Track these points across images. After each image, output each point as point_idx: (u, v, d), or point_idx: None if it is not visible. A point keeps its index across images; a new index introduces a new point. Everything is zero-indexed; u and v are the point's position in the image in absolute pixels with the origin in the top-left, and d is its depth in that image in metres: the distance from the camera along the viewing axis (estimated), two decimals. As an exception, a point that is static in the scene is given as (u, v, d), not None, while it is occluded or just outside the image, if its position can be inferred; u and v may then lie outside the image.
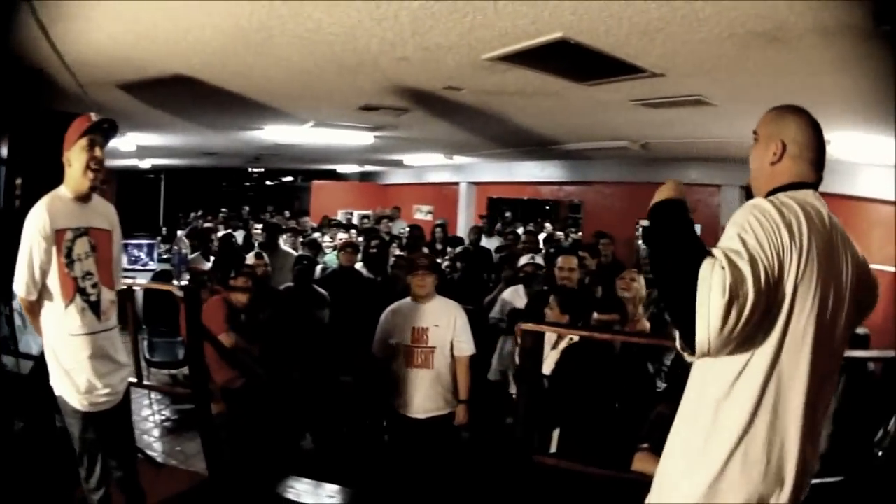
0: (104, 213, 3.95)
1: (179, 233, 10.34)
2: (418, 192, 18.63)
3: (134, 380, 5.71)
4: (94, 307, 3.76)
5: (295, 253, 8.59)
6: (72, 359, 3.69)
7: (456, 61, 4.31)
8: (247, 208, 18.52)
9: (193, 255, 9.10)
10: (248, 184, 26.52)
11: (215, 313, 5.51)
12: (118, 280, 4.10)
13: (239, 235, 11.75)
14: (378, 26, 3.58)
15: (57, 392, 3.76)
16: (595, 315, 5.01)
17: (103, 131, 3.73)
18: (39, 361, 6.16)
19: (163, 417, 7.66)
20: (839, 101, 4.83)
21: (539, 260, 7.20)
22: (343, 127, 8.25)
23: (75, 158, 3.64)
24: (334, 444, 6.33)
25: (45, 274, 3.60)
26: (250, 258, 6.48)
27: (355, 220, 15.47)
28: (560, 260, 6.38)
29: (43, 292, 3.65)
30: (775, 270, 1.96)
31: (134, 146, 11.41)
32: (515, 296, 6.65)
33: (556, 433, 4.50)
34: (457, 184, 16.60)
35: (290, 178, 25.56)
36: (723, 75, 4.41)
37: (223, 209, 17.44)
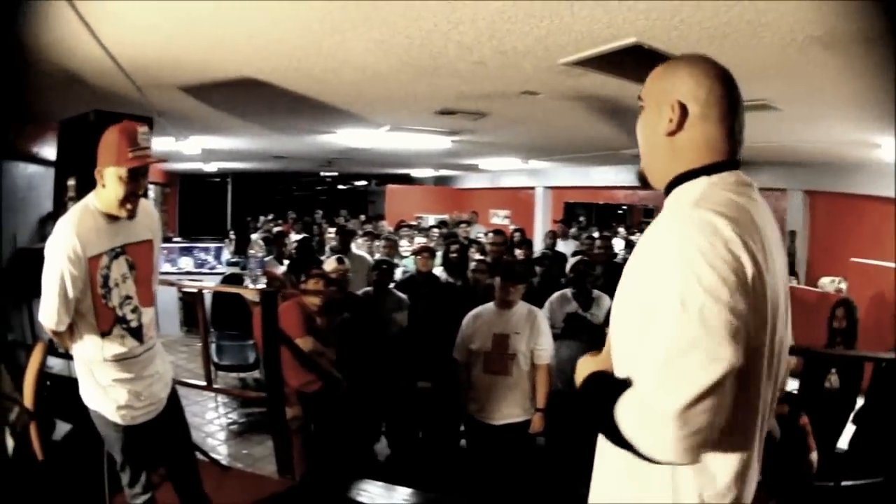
0: (143, 222, 3.60)
1: (254, 236, 10.46)
2: (494, 196, 18.80)
3: (203, 383, 5.86)
4: (136, 332, 3.52)
5: (368, 257, 8.66)
6: (109, 378, 3.46)
7: (533, 65, 4.36)
8: (319, 212, 18.69)
9: (267, 259, 9.24)
10: (319, 188, 26.81)
11: (292, 317, 5.52)
12: (156, 290, 3.88)
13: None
14: (455, 30, 3.60)
15: (91, 406, 3.55)
16: None
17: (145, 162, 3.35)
18: None
19: (229, 420, 7.80)
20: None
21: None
22: (419, 131, 8.30)
23: (111, 184, 3.27)
24: (410, 449, 6.41)
25: (78, 302, 3.29)
26: (331, 262, 6.52)
27: (429, 224, 15.54)
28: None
29: (76, 319, 3.36)
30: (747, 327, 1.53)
31: (199, 150, 11.42)
32: (563, 299, 6.62)
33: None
34: (533, 188, 16.72)
35: (363, 182, 25.79)
36: (785, 80, 4.46)
37: (292, 213, 17.64)
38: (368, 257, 8.60)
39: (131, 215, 3.39)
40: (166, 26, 3.72)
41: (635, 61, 4.01)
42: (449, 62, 4.35)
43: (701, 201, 1.66)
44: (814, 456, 4.40)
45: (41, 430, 4.45)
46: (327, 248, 10.92)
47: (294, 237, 11.48)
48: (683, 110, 1.79)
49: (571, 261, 7.34)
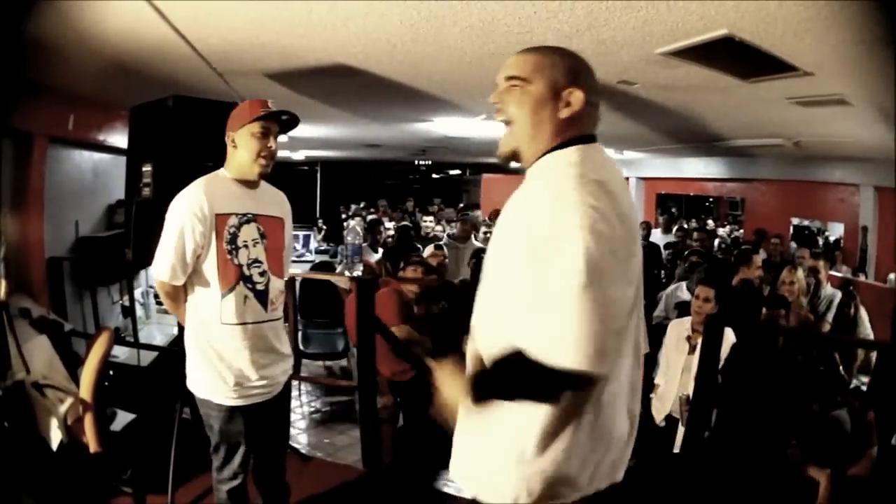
0: (276, 201, 3.80)
1: (352, 222, 10.56)
2: (588, 186, 18.77)
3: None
4: (261, 296, 3.57)
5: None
6: (225, 347, 3.49)
7: (630, 55, 4.45)
8: (411, 201, 18.84)
9: (363, 247, 9.36)
10: (412, 176, 26.96)
11: (388, 304, 5.58)
12: (288, 270, 3.93)
13: (390, 227, 11.98)
14: (554, 18, 3.67)
15: (194, 385, 3.59)
16: (763, 310, 5.35)
17: (280, 122, 3.58)
18: (164, 352, 6.34)
19: (312, 409, 7.85)
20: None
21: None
22: (515, 121, 8.25)
23: (243, 144, 3.47)
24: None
25: (198, 258, 3.42)
26: (429, 250, 6.56)
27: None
28: (784, 274, 6.67)
29: (194, 278, 3.49)
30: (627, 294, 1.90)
31: (286, 137, 10.99)
32: (678, 292, 6.67)
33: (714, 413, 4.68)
34: (627, 179, 16.63)
35: (457, 172, 25.86)
36: (857, 77, 4.60)
37: (383, 201, 17.83)
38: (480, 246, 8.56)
39: (263, 174, 3.57)
40: (249, 11, 3.82)
41: (726, 52, 4.13)
42: (549, 51, 4.39)
43: (581, 165, 1.98)
44: (874, 451, 4.47)
45: (98, 421, 4.38)
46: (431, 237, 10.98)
47: (388, 225, 11.60)
48: (554, 90, 2.08)
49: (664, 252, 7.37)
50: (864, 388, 6.31)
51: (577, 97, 2.06)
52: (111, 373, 5.45)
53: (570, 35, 4.00)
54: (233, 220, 3.48)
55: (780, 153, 10.38)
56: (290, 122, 3.65)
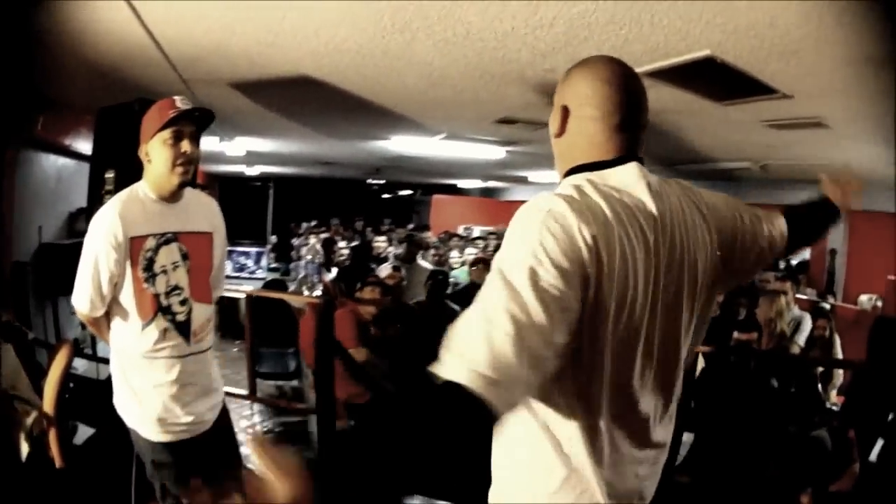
0: (202, 213, 3.52)
1: (312, 240, 10.46)
2: (541, 209, 18.94)
3: (245, 392, 5.86)
4: (183, 328, 3.32)
5: (430, 267, 8.64)
6: (145, 382, 3.28)
7: (604, 76, 4.37)
8: (361, 221, 18.76)
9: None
10: (363, 196, 26.93)
11: (345, 326, 5.50)
12: (219, 290, 3.74)
13: (345, 247, 11.91)
14: (531, 34, 3.60)
15: (122, 414, 3.39)
16: (735, 334, 5.31)
17: (194, 120, 3.22)
18: None
19: (265, 429, 7.73)
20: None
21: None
22: (475, 140, 8.31)
23: (156, 154, 3.17)
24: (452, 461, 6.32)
25: (115, 287, 3.19)
26: (386, 270, 6.51)
27: (475, 236, 15.57)
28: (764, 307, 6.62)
29: (114, 307, 3.26)
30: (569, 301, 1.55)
31: (243, 151, 11.25)
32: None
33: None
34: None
35: (408, 192, 25.87)
36: (841, 98, 4.57)
37: (335, 220, 17.71)
38: (430, 268, 8.54)
39: (183, 183, 3.25)
40: (223, 16, 3.68)
41: (703, 74, 4.10)
42: (520, 68, 4.36)
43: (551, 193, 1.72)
44: (856, 467, 4.61)
45: (61, 436, 4.32)
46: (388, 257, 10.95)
47: (342, 244, 11.54)
48: (565, 113, 1.87)
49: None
50: (835, 408, 6.50)
51: (559, 117, 1.91)
52: (71, 385, 5.31)
53: (545, 53, 3.95)
54: (149, 243, 3.23)
55: (745, 176, 10.47)
56: (206, 118, 3.29)
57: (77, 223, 7.48)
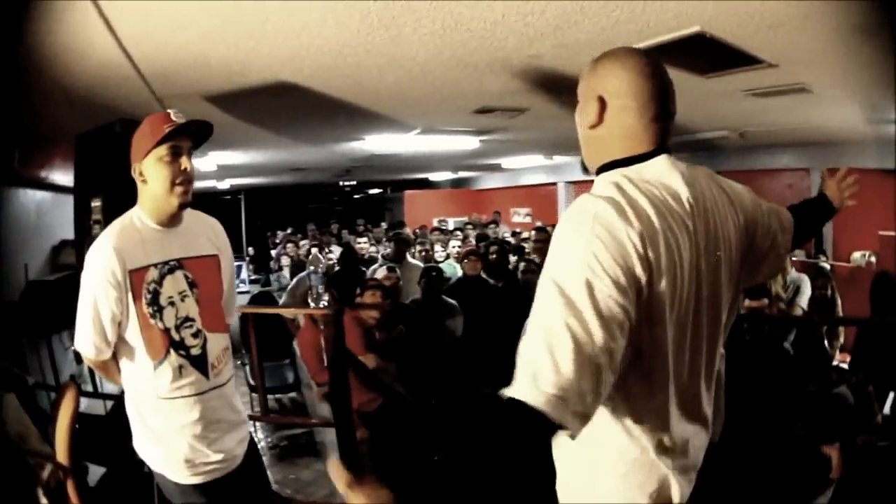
0: (206, 234, 3.29)
1: (314, 251, 10.34)
2: (514, 195, 19.11)
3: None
4: (199, 362, 3.06)
5: (422, 265, 8.53)
6: (166, 424, 3.02)
7: (589, 58, 4.30)
8: (336, 224, 18.72)
9: (301, 275, 9.19)
10: (335, 198, 26.89)
11: (351, 334, 5.34)
12: (232, 316, 3.47)
13: (336, 251, 11.85)
14: (521, 22, 3.55)
15: (146, 458, 3.11)
16: (746, 302, 5.38)
17: (191, 135, 3.05)
18: (119, 400, 6.20)
19: (270, 444, 7.70)
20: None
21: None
22: (451, 132, 8.29)
23: (152, 173, 2.94)
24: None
25: (120, 327, 2.92)
26: (381, 272, 6.45)
27: (450, 228, 15.55)
28: None
29: (121, 348, 2.99)
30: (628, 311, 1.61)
31: (214, 166, 10.87)
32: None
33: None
34: (554, 184, 16.80)
35: (377, 190, 25.88)
36: (826, 66, 4.67)
37: (311, 225, 17.65)
38: (422, 265, 8.44)
39: (184, 204, 3.01)
40: (202, 23, 3.49)
41: (691, 49, 4.08)
42: (505, 56, 4.32)
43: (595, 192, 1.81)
44: (879, 418, 4.78)
45: (78, 485, 4.09)
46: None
47: (334, 249, 11.52)
48: (602, 104, 1.93)
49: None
50: (844, 366, 6.57)
51: (596, 109, 1.96)
52: (76, 426, 5.18)
53: (532, 39, 3.92)
54: (152, 274, 2.96)
55: (724, 144, 10.59)
56: (202, 131, 3.11)
57: (60, 256, 7.41)
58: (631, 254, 1.64)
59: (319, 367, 6.05)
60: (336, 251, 11.34)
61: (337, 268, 9.49)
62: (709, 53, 4.21)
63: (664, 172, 1.88)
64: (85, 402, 6.17)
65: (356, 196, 27.14)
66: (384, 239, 12.90)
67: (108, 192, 4.42)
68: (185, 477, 3.04)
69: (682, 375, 1.88)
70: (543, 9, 3.36)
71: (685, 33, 3.76)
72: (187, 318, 3.03)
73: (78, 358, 7.13)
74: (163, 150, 2.91)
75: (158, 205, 2.99)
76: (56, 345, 6.91)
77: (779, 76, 4.94)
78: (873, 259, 9.61)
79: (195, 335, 3.05)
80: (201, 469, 3.06)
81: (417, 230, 14.61)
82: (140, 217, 3.02)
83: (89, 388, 6.70)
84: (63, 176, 6.60)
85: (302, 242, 13.17)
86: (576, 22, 3.57)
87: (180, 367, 2.99)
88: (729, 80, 5.08)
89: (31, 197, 7.03)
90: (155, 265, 2.96)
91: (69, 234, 7.05)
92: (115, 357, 3.02)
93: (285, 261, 12.46)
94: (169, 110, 2.98)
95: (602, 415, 1.81)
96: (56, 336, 7.00)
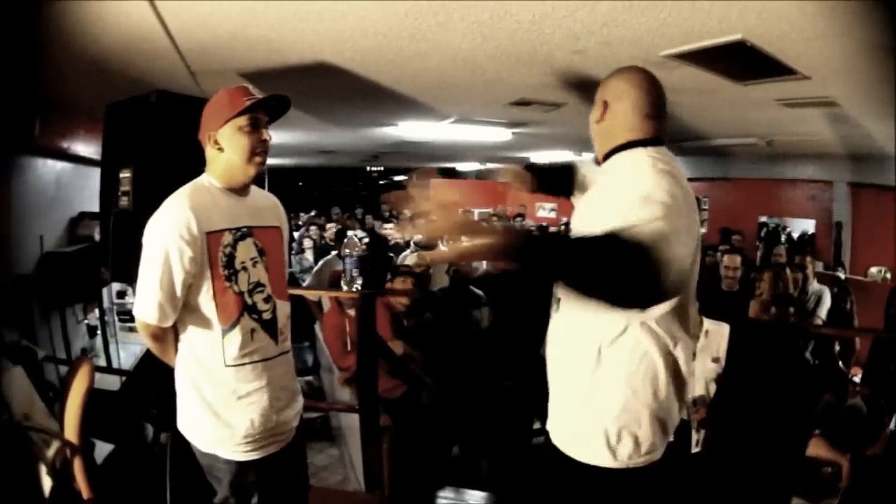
0: (269, 207, 3.27)
1: (350, 233, 10.30)
2: (538, 190, 19.04)
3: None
4: (270, 326, 3.05)
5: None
6: (228, 395, 2.96)
7: (632, 57, 4.32)
8: (361, 209, 18.73)
9: (328, 258, 9.21)
10: (360, 183, 26.87)
11: (382, 319, 5.33)
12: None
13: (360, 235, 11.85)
14: (570, 17, 3.60)
15: (192, 438, 3.06)
16: (772, 310, 5.60)
17: (270, 108, 3.11)
18: (130, 376, 6.12)
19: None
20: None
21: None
22: (485, 123, 8.30)
23: (230, 143, 2.96)
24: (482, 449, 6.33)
25: (190, 289, 2.89)
26: (412, 258, 6.46)
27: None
28: (726, 259, 7.11)
29: (186, 314, 2.95)
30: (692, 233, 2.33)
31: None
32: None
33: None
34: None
35: (403, 177, 25.86)
36: (853, 81, 4.84)
37: (336, 209, 17.64)
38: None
39: (258, 175, 3.06)
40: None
41: (731, 56, 4.23)
42: (549, 50, 4.35)
43: (654, 159, 2.44)
44: (888, 432, 4.76)
45: (87, 465, 4.02)
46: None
47: (360, 233, 11.49)
48: (605, 105, 2.62)
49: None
50: (856, 378, 6.66)
51: (601, 109, 2.66)
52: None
53: (578, 34, 3.96)
54: (227, 238, 2.95)
55: (750, 152, 10.70)
56: (280, 106, 3.17)
57: (78, 228, 7.34)
58: (694, 207, 2.37)
59: (342, 352, 6.09)
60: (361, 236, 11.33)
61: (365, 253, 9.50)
62: (747, 61, 4.32)
63: (670, 157, 2.53)
64: (96, 377, 6.23)
65: (381, 182, 27.13)
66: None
67: (140, 163, 4.32)
68: (241, 453, 3.01)
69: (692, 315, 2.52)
70: (594, 6, 3.42)
71: (727, 40, 3.89)
72: (259, 284, 3.04)
73: (91, 331, 7.19)
74: (243, 120, 2.97)
75: (234, 173, 3.03)
76: (69, 317, 6.88)
77: (810, 88, 5.09)
78: (889, 276, 9.85)
79: (266, 300, 3.06)
80: (260, 443, 3.04)
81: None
82: (213, 183, 3.04)
83: (102, 362, 6.72)
84: (85, 147, 6.53)
85: (329, 226, 13.16)
86: (623, 20, 3.64)
87: (252, 330, 2.98)
88: (764, 88, 5.20)
89: (52, 167, 6.92)
90: (229, 230, 2.97)
91: (89, 206, 7.18)
92: (174, 326, 2.99)
93: (307, 243, 12.40)
94: (246, 85, 3.10)
95: (640, 349, 2.40)
96: (69, 309, 6.96)
